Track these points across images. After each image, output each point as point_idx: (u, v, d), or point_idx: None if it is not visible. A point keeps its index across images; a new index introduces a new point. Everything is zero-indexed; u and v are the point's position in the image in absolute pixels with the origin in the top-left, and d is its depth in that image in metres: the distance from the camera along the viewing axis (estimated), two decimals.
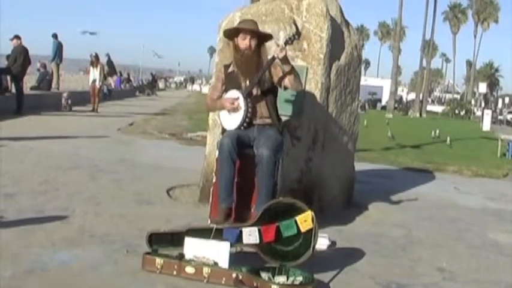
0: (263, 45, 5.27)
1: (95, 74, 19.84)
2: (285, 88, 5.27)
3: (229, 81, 5.27)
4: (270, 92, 5.25)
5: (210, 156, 6.23)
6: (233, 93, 5.17)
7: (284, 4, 6.36)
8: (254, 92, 5.15)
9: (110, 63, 32.34)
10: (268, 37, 5.38)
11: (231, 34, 5.30)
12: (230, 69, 5.32)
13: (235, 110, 5.11)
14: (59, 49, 21.83)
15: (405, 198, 7.91)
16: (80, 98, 19.61)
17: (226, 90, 5.29)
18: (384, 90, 70.18)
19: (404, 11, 59.66)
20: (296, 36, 5.16)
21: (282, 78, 5.16)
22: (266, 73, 5.13)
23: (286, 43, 5.07)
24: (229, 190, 4.96)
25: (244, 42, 5.13)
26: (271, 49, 5.03)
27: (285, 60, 5.00)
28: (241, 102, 5.09)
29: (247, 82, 5.16)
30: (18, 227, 4.85)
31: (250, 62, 5.13)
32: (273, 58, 5.02)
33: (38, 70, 22.36)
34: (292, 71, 5.11)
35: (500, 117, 57.53)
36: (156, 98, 37.17)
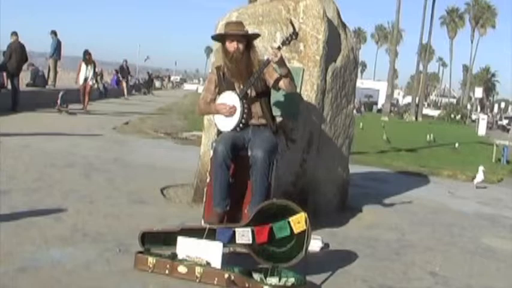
0: (252, 46, 5.24)
1: (87, 72, 18.93)
2: (279, 89, 5.26)
3: (222, 83, 5.26)
4: (264, 93, 5.24)
5: (205, 157, 6.23)
6: (228, 95, 5.15)
7: (281, 5, 6.36)
8: (249, 93, 5.14)
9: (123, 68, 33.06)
10: (254, 36, 5.35)
11: (220, 39, 5.30)
12: (222, 71, 5.30)
13: (231, 114, 5.10)
14: (58, 46, 21.70)
15: (399, 202, 7.92)
16: (76, 96, 19.30)
17: (219, 92, 5.26)
18: (380, 93, 70.27)
19: (402, 15, 59.53)
20: (293, 36, 5.08)
21: (277, 81, 5.13)
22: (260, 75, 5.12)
23: (283, 44, 5.04)
24: (223, 194, 4.95)
25: (231, 45, 5.11)
26: (268, 51, 4.99)
27: (281, 62, 4.96)
28: (237, 103, 5.07)
29: (240, 84, 5.13)
30: (12, 224, 4.84)
31: (240, 65, 5.10)
32: (268, 61, 4.96)
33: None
34: (288, 74, 5.09)
35: (500, 122, 57.54)
36: (152, 98, 37.10)
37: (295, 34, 5.10)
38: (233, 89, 5.15)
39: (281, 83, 5.13)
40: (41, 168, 7.52)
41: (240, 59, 5.09)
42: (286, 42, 5.08)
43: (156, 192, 6.76)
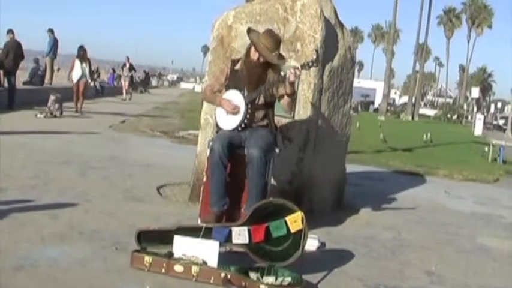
0: (277, 65, 5.19)
1: (82, 69, 17.07)
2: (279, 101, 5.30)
3: (233, 78, 5.25)
4: (272, 103, 5.29)
5: (201, 155, 6.22)
6: (234, 94, 5.16)
7: (278, 4, 6.35)
8: (256, 100, 5.16)
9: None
10: (280, 62, 5.29)
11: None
12: (237, 67, 5.29)
13: (234, 113, 5.12)
14: (54, 44, 21.59)
15: (395, 201, 7.93)
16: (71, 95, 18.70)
17: (227, 87, 5.28)
18: (377, 93, 70.26)
19: (399, 15, 59.35)
20: (315, 64, 5.12)
21: (281, 96, 5.18)
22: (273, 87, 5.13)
23: (302, 67, 5.05)
24: (220, 193, 4.97)
25: (255, 54, 5.11)
26: (289, 70, 4.93)
27: (292, 84, 4.99)
28: (242, 107, 5.10)
29: (246, 88, 5.14)
30: (8, 221, 4.83)
31: (252, 73, 5.12)
32: (284, 77, 4.97)
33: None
34: (293, 95, 5.16)
35: (496, 122, 57.62)
36: (149, 96, 37.09)
37: (316, 62, 5.12)
38: (241, 88, 5.16)
39: (282, 101, 5.22)
40: (37, 165, 7.51)
41: (253, 69, 5.12)
42: (305, 66, 5.08)
43: (153, 190, 6.76)
